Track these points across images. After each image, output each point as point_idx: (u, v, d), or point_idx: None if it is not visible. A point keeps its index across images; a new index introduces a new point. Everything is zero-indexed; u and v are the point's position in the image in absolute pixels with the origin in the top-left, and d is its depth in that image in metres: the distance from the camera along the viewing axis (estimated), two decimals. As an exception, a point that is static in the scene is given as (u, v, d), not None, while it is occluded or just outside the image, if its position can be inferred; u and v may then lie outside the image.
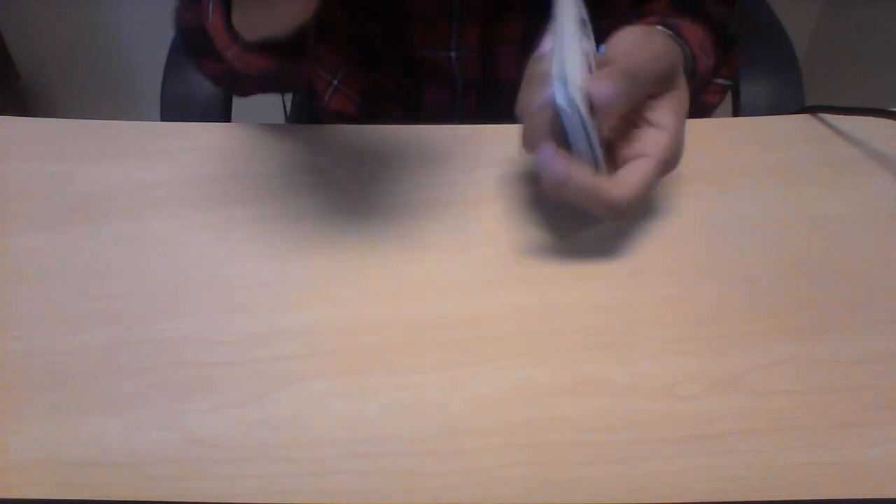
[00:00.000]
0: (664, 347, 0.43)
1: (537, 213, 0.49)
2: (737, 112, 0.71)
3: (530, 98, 0.42)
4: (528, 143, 0.43)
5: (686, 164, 0.51)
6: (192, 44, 0.54)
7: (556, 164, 0.41)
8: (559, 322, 0.44)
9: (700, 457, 0.39)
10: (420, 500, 0.38)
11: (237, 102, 0.71)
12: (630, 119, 0.45)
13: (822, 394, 0.41)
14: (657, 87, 0.44)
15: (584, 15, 0.45)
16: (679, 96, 0.45)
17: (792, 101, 0.71)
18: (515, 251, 0.47)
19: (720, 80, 0.60)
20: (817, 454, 0.39)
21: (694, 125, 0.54)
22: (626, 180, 0.43)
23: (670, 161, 0.44)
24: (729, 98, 0.73)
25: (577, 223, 0.48)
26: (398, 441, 0.40)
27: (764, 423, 0.40)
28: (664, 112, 0.44)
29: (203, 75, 0.58)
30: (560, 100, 0.40)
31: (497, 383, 0.42)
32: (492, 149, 0.52)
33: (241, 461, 0.39)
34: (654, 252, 0.47)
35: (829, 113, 0.54)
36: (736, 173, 0.51)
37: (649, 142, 0.44)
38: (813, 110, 0.54)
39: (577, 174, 0.41)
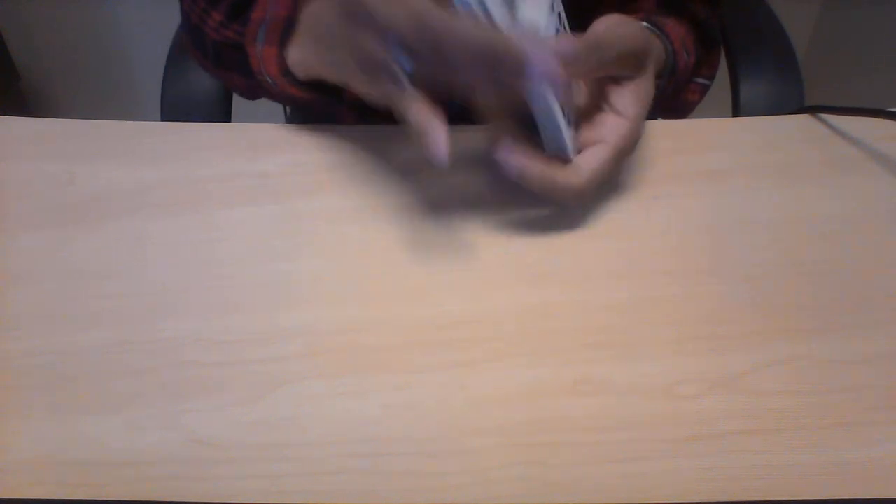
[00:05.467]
0: (664, 347, 0.43)
1: (537, 213, 0.49)
2: (737, 112, 0.71)
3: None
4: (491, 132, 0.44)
5: (686, 164, 0.51)
6: (221, 57, 0.55)
7: (511, 160, 0.43)
8: (559, 322, 0.44)
9: (700, 457, 0.39)
10: (420, 500, 0.38)
11: (237, 102, 0.71)
12: (594, 103, 0.46)
13: (822, 394, 0.41)
14: (624, 68, 0.45)
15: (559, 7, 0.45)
16: (644, 85, 0.46)
17: (792, 101, 0.71)
18: (516, 251, 0.47)
19: (700, 80, 0.60)
20: (817, 454, 0.39)
21: (694, 125, 0.54)
22: (582, 168, 0.44)
23: (627, 148, 0.46)
24: (729, 98, 0.73)
25: (578, 224, 0.48)
26: (398, 441, 0.40)
27: (764, 423, 0.40)
28: (627, 99, 0.45)
29: (221, 82, 0.59)
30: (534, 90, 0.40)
31: (497, 383, 0.42)
32: (491, 149, 0.52)
33: (241, 461, 0.39)
34: (655, 252, 0.47)
35: (829, 113, 0.54)
36: (736, 173, 0.51)
37: (609, 128, 0.45)
38: (813, 110, 0.54)
39: (532, 168, 0.43)
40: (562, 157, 0.45)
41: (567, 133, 0.43)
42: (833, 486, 0.38)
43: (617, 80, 0.46)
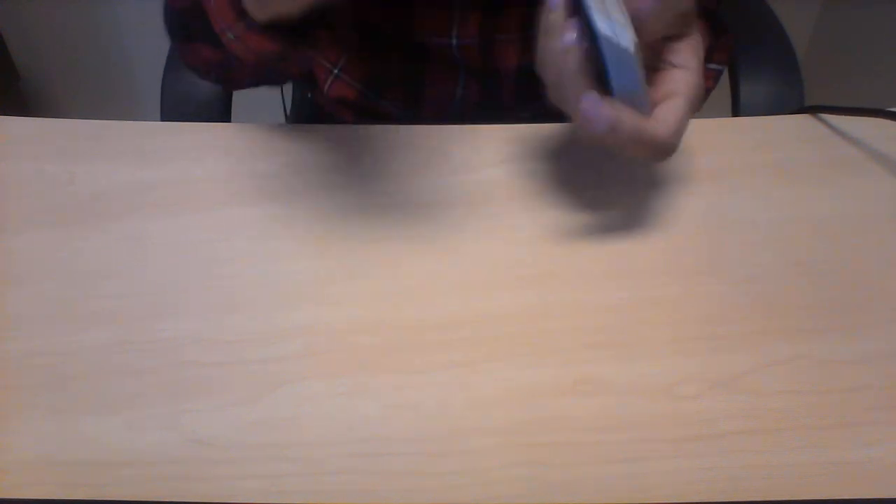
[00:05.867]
0: (664, 347, 0.43)
1: (537, 212, 0.49)
2: (737, 112, 0.71)
3: (554, 45, 0.41)
4: (561, 94, 0.42)
5: (686, 164, 0.51)
6: (185, 27, 0.52)
7: (602, 111, 0.40)
8: (559, 322, 0.44)
9: (700, 457, 0.39)
10: (420, 500, 0.38)
11: (237, 102, 0.71)
12: (652, 63, 0.45)
13: (822, 394, 0.41)
14: (678, 26, 0.44)
15: None
16: (697, 39, 0.45)
17: (792, 101, 0.71)
18: (516, 251, 0.47)
19: (713, 65, 0.61)
20: (817, 454, 0.39)
21: (694, 125, 0.54)
22: (667, 119, 0.42)
23: (698, 99, 0.44)
24: (729, 98, 0.73)
25: (578, 224, 0.48)
26: (398, 441, 0.40)
27: (764, 423, 0.40)
28: (686, 53, 0.44)
29: (191, 67, 0.56)
30: (604, 28, 0.39)
31: (497, 383, 0.42)
32: (492, 149, 0.52)
33: (241, 461, 0.39)
34: (655, 252, 0.47)
35: (829, 113, 0.54)
36: (736, 173, 0.51)
37: (678, 81, 0.44)
38: (813, 110, 0.54)
39: (624, 119, 0.41)
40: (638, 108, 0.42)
41: (644, 85, 0.41)
42: (833, 486, 0.38)
43: (668, 39, 0.44)
